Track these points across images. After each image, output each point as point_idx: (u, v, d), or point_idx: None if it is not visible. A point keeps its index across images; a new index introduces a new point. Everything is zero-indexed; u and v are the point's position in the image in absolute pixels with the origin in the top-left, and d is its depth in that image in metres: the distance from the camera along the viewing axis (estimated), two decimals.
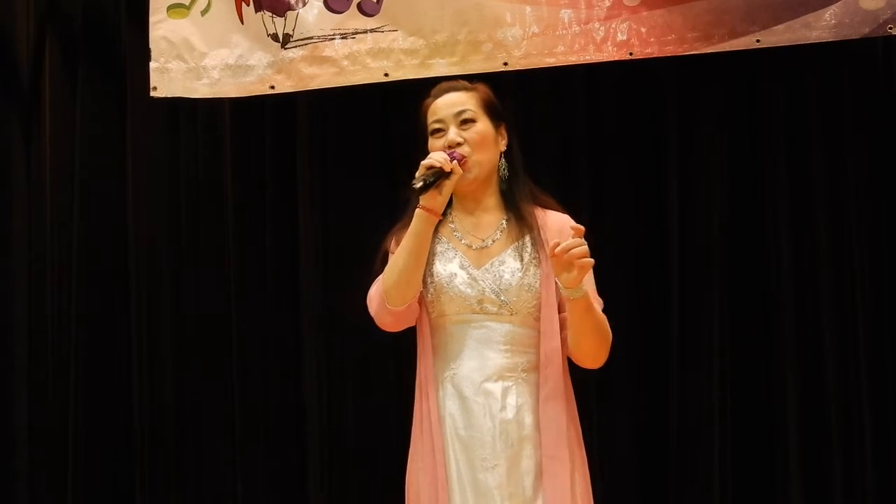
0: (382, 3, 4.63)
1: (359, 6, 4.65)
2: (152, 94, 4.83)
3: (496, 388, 3.12)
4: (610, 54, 4.53)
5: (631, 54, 4.51)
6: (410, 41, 4.63)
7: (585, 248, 2.94)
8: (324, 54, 4.68)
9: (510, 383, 3.13)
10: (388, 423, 4.92)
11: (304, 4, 4.69)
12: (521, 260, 3.13)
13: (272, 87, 4.76)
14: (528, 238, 3.17)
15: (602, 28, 4.51)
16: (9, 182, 5.30)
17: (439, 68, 4.58)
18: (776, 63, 4.64)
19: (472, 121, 3.18)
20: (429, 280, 3.15)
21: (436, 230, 3.16)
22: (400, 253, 3.12)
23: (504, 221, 3.20)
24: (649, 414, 4.77)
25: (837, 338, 4.65)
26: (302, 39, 4.69)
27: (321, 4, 4.68)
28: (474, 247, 3.18)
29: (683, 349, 4.72)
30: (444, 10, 4.59)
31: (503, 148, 3.23)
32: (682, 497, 4.71)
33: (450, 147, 3.15)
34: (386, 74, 4.65)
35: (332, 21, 4.67)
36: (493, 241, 3.18)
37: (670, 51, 4.50)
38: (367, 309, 3.26)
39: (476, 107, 3.20)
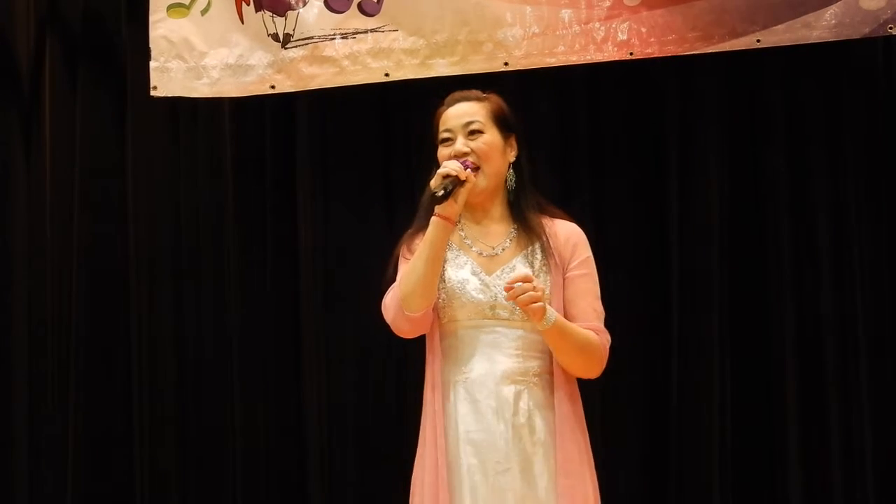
0: (383, 3, 4.63)
1: (359, 6, 4.65)
2: (152, 93, 4.83)
3: (508, 391, 3.14)
4: (610, 54, 4.53)
5: (631, 54, 4.51)
6: (411, 41, 4.63)
7: (531, 293, 2.97)
8: (324, 54, 4.68)
9: (522, 387, 3.15)
10: (388, 424, 4.93)
11: (305, 4, 4.69)
12: (532, 267, 3.16)
13: (272, 87, 4.76)
14: (537, 246, 3.19)
15: (602, 28, 4.51)
16: (9, 182, 5.30)
17: (440, 68, 4.59)
18: (776, 63, 4.64)
19: (480, 132, 3.20)
20: (440, 285, 3.18)
21: None
22: (416, 260, 3.14)
23: (513, 230, 3.23)
24: (649, 414, 4.77)
25: (837, 338, 4.65)
26: (302, 39, 4.69)
27: (321, 4, 4.68)
28: (484, 254, 3.21)
29: (683, 349, 4.72)
30: (445, 10, 4.59)
31: (511, 159, 3.25)
32: (683, 497, 4.71)
33: (456, 156, 3.17)
34: (386, 74, 4.66)
35: (332, 21, 4.67)
36: (504, 249, 3.21)
37: (671, 51, 4.50)
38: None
39: (485, 118, 3.22)
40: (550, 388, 3.16)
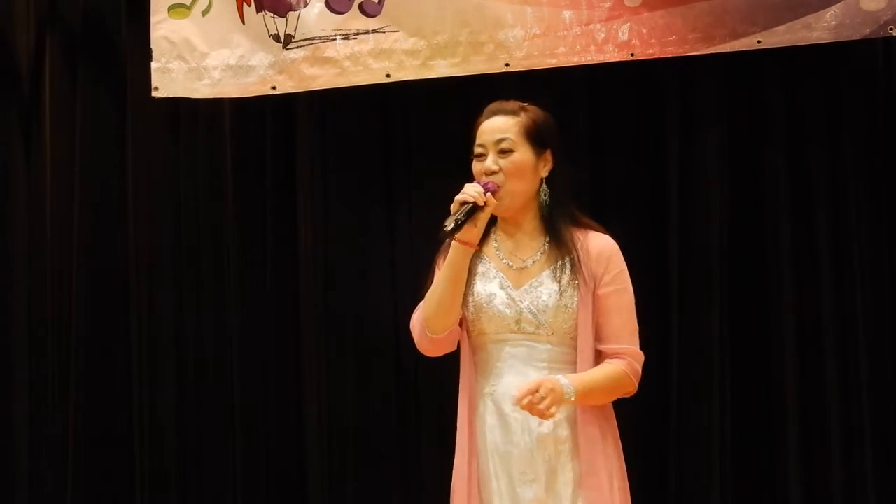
0: (384, 4, 4.63)
1: (360, 7, 4.65)
2: (154, 94, 4.83)
3: None
4: (611, 55, 4.53)
5: (632, 55, 4.51)
6: (412, 42, 4.63)
7: (545, 402, 2.96)
8: (325, 55, 4.68)
9: None
10: (388, 424, 4.94)
11: (306, 5, 4.69)
12: (560, 282, 3.16)
13: (273, 88, 4.76)
14: (567, 260, 3.18)
15: (603, 29, 4.51)
16: (9, 182, 5.30)
17: (441, 69, 4.59)
18: (777, 64, 4.65)
19: (511, 150, 3.18)
20: (469, 299, 3.19)
21: (479, 248, 3.21)
22: (438, 283, 3.17)
23: (545, 244, 3.22)
24: (649, 414, 4.77)
25: (837, 338, 4.66)
26: (303, 40, 4.69)
27: (322, 5, 4.68)
28: (515, 267, 3.21)
29: (683, 349, 4.72)
30: (446, 11, 4.59)
31: (544, 174, 3.23)
32: (683, 497, 4.72)
33: (486, 175, 3.17)
34: (388, 75, 4.66)
35: (333, 22, 4.67)
36: (534, 263, 3.21)
37: (671, 52, 4.50)
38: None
39: (517, 135, 3.20)
40: None
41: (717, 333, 4.70)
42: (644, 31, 4.49)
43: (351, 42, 4.66)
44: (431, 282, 3.24)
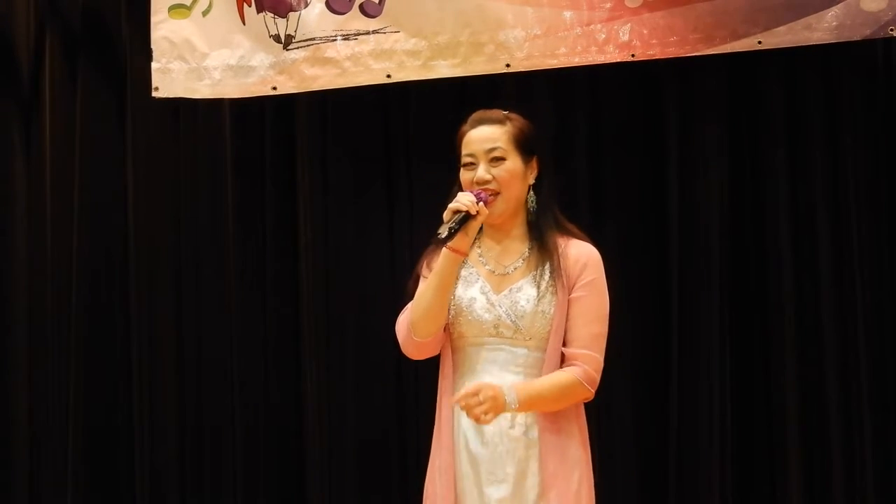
0: (384, 5, 4.63)
1: (361, 7, 4.65)
2: (154, 94, 4.83)
3: None
4: (612, 56, 4.53)
5: (633, 56, 4.52)
6: (413, 42, 4.63)
7: (481, 408, 3.01)
8: (326, 55, 4.68)
9: None
10: (388, 424, 4.94)
11: (306, 5, 4.69)
12: (538, 287, 3.18)
13: (274, 88, 4.76)
14: (547, 266, 3.20)
15: (604, 30, 4.51)
16: (9, 182, 5.30)
17: (442, 70, 4.59)
18: (777, 64, 4.65)
19: (502, 158, 3.20)
20: (451, 302, 3.21)
21: None
22: (427, 288, 3.19)
23: (528, 250, 3.24)
24: (649, 414, 4.77)
25: (837, 338, 4.66)
26: (304, 40, 4.69)
27: (323, 5, 4.68)
28: (497, 272, 3.23)
29: (683, 349, 4.73)
30: (446, 11, 4.59)
31: (532, 181, 3.25)
32: (683, 497, 4.72)
33: (478, 184, 3.18)
34: (388, 76, 4.66)
35: (333, 22, 4.67)
36: (515, 269, 3.23)
37: (672, 52, 4.50)
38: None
39: (507, 143, 3.22)
40: None
41: (717, 333, 4.70)
42: (645, 31, 4.49)
43: (351, 42, 4.66)
44: (415, 286, 3.26)
